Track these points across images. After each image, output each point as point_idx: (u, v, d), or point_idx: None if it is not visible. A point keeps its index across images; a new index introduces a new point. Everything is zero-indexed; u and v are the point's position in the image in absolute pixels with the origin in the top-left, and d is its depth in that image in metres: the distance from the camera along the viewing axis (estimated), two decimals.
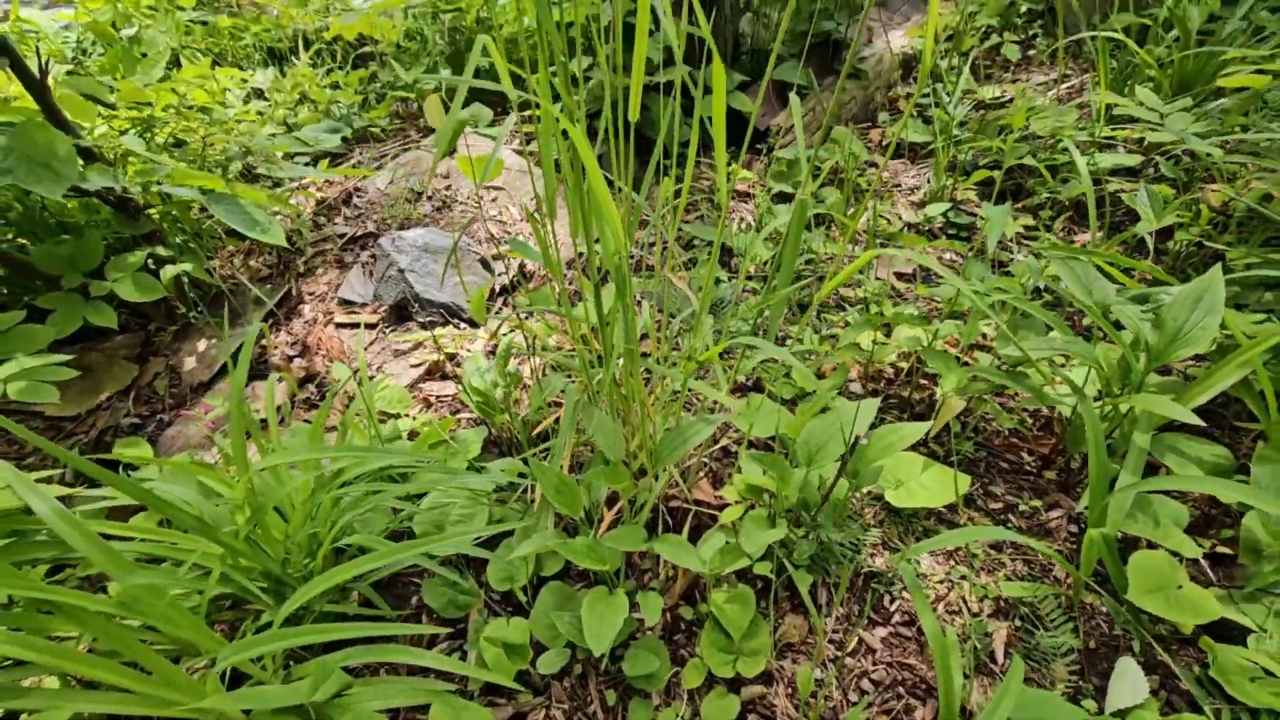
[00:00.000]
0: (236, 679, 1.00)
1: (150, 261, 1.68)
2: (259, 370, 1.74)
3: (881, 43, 2.38)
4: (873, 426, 1.29)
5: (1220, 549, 1.10)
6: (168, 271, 1.62)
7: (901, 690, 0.97)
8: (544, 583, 1.07)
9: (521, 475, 1.19)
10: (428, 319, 1.71)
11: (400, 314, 1.75)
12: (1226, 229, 1.47)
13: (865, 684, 0.98)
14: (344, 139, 2.35)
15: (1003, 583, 1.06)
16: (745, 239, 1.69)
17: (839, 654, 1.00)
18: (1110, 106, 1.71)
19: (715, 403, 1.26)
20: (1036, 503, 1.18)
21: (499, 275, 1.81)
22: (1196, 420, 0.93)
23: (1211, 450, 1.09)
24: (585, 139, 0.65)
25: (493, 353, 1.64)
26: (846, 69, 0.84)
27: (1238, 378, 1.08)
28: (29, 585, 0.72)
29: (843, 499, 1.02)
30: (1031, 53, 2.42)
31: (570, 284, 1.78)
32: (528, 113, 2.13)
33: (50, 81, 1.50)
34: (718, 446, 1.27)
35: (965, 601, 1.05)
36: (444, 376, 1.62)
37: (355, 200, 2.12)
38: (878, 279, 1.67)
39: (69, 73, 2.70)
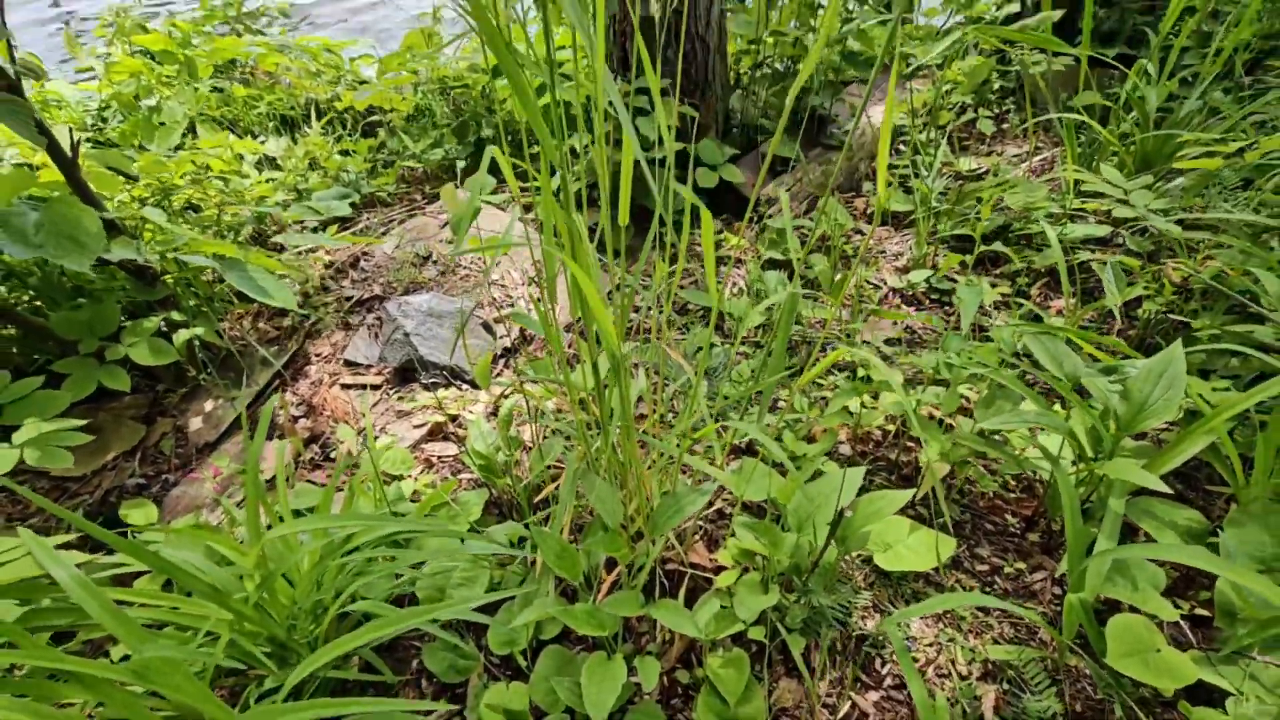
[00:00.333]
0: None
1: (163, 325, 1.74)
2: (264, 432, 1.78)
3: (863, 117, 2.52)
4: (862, 490, 1.34)
5: (1199, 611, 1.13)
6: (181, 335, 1.68)
7: None
8: (543, 646, 1.09)
9: (522, 539, 1.23)
10: (431, 381, 1.77)
11: (404, 376, 1.80)
12: (1191, 298, 1.55)
13: None
14: (352, 205, 2.45)
15: (990, 646, 1.09)
16: (738, 305, 1.76)
17: (832, 718, 1.02)
18: (1079, 180, 1.82)
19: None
20: (1021, 565, 1.22)
21: (500, 338, 1.88)
22: (1164, 488, 0.98)
23: (1185, 514, 1.14)
24: (585, 264, 0.71)
25: (494, 414, 1.69)
26: (846, 144, 0.92)
27: (1205, 444, 1.14)
28: (54, 657, 0.75)
29: (833, 563, 1.06)
30: (1005, 126, 2.56)
31: (569, 346, 1.85)
32: (528, 185, 2.24)
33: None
34: (712, 509, 1.31)
35: (954, 665, 1.08)
36: (446, 437, 1.67)
37: (363, 263, 2.20)
38: (865, 342, 1.74)
39: (89, 139, 2.83)
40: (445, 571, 1.18)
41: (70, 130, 1.58)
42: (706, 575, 1.16)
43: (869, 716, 1.03)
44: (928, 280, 1.88)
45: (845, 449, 1.47)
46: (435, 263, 2.16)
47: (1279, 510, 1.10)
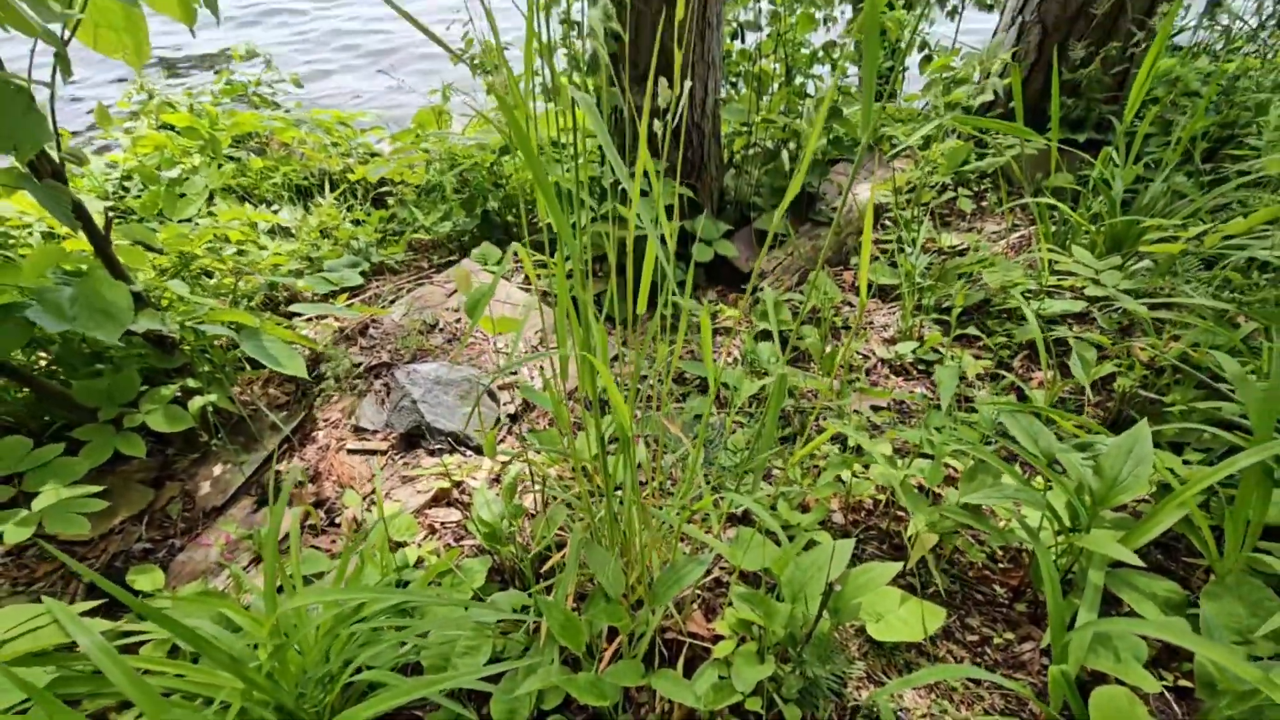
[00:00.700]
0: None
1: (179, 392, 1.80)
2: (268, 496, 1.82)
3: (849, 195, 2.67)
4: (855, 559, 1.38)
5: (1183, 682, 1.17)
6: (195, 402, 1.74)
7: None
8: (546, 716, 1.11)
9: (524, 607, 1.26)
10: (436, 447, 1.82)
11: (410, 442, 1.86)
12: (1163, 373, 1.63)
13: None
14: (362, 273, 2.55)
15: (980, 717, 1.12)
16: (734, 375, 1.84)
17: None
18: (1053, 259, 1.93)
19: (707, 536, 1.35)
20: (1010, 635, 1.26)
21: (504, 405, 1.94)
22: (1138, 562, 1.03)
23: (1164, 585, 1.19)
24: (606, 368, 0.79)
25: (496, 480, 1.74)
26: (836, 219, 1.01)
27: (1178, 517, 1.19)
28: None
29: (827, 633, 1.10)
30: (984, 204, 2.71)
31: (570, 408, 1.91)
32: (539, 258, 2.35)
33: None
34: (710, 578, 1.35)
35: None
36: (449, 503, 1.71)
37: (371, 330, 2.29)
38: (855, 411, 1.81)
39: (111, 208, 2.95)
40: (450, 640, 1.20)
41: (105, 211, 1.68)
42: (705, 645, 1.19)
43: None
44: (914, 352, 1.96)
45: (838, 517, 1.52)
46: (441, 330, 2.25)
47: (1253, 582, 1.15)
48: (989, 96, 2.49)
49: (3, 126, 1.26)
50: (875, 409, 1.85)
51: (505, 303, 2.26)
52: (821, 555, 1.08)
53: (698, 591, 1.33)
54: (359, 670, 1.11)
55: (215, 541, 1.64)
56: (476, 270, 2.50)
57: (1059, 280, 1.95)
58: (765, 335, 2.11)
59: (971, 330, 2.02)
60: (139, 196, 3.01)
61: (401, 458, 1.84)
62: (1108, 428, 1.66)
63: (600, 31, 0.81)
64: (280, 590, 1.17)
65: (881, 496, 1.53)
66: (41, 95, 1.39)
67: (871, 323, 2.21)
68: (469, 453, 1.83)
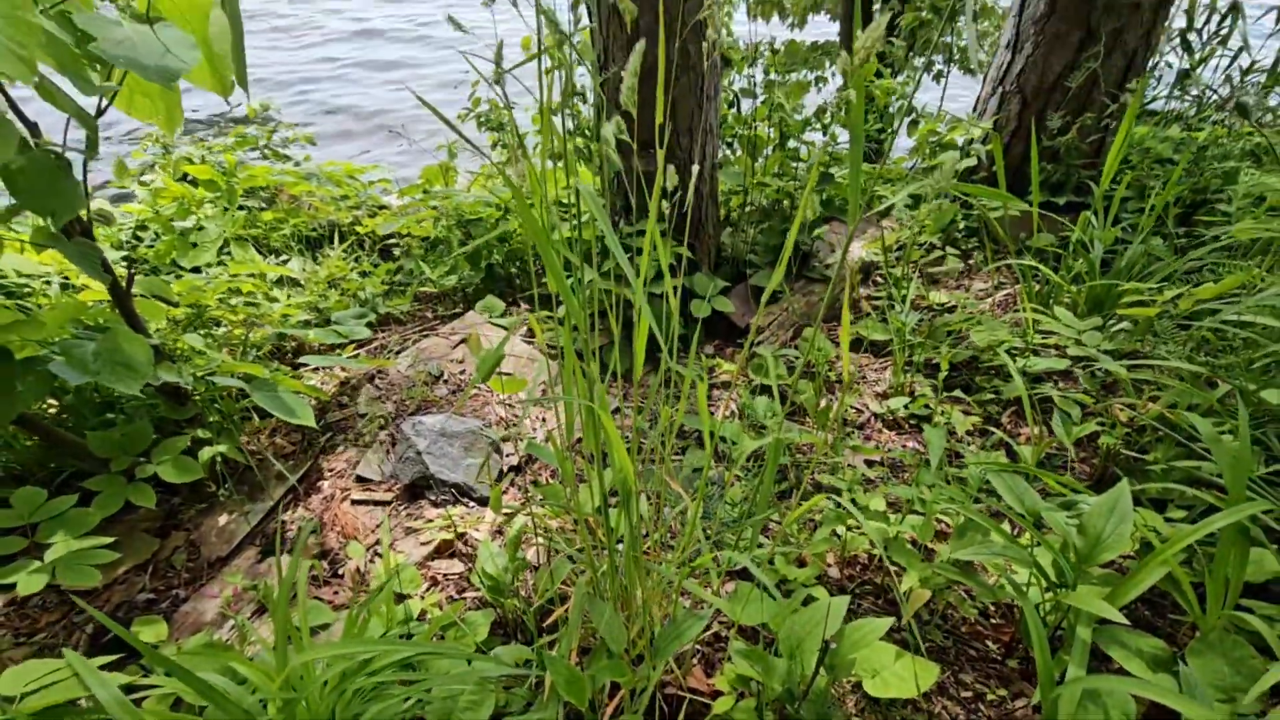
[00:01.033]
0: None
1: (189, 442, 1.84)
2: (273, 546, 1.84)
3: (842, 252, 2.77)
4: (851, 614, 1.41)
5: None
6: (205, 453, 1.78)
7: None
8: None
9: (528, 661, 1.28)
10: (440, 498, 1.85)
11: (414, 492, 1.89)
12: (1145, 432, 1.70)
13: None
14: (369, 324, 2.62)
15: None
16: (732, 428, 1.89)
17: None
18: (1037, 319, 2.01)
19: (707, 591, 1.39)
20: (1003, 691, 1.28)
21: (507, 456, 1.98)
22: (1122, 620, 1.07)
23: (1150, 643, 1.22)
24: (614, 429, 0.85)
25: (499, 532, 1.77)
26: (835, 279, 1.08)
27: (1161, 575, 1.23)
28: None
29: (824, 690, 1.13)
30: (972, 262, 2.82)
31: (572, 459, 1.95)
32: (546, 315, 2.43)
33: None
34: (709, 632, 1.38)
35: None
36: (452, 554, 1.74)
37: (377, 380, 2.34)
38: (850, 466, 1.86)
39: (125, 257, 3.03)
40: (454, 695, 1.22)
41: (128, 266, 1.75)
42: (704, 700, 1.22)
43: None
44: (905, 407, 2.02)
45: (834, 572, 1.55)
46: (446, 382, 2.30)
47: (1236, 640, 1.19)
48: (972, 162, 2.62)
49: (41, 194, 1.34)
50: (869, 463, 1.90)
51: (509, 355, 2.33)
52: (818, 611, 1.11)
53: (698, 646, 1.36)
54: None
55: (221, 593, 1.66)
56: (481, 322, 2.57)
57: (1044, 339, 2.03)
58: (762, 389, 2.17)
59: (961, 387, 2.09)
60: (152, 245, 3.10)
61: (405, 508, 1.87)
62: (1094, 484, 1.72)
63: (613, 141, 0.89)
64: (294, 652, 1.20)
65: (876, 551, 1.56)
66: (71, 155, 1.47)
67: (865, 377, 2.28)
68: (472, 504, 1.86)
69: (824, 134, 2.99)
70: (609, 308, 1.25)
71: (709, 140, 2.28)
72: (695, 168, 1.10)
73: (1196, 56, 3.34)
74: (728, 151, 2.99)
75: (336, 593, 1.69)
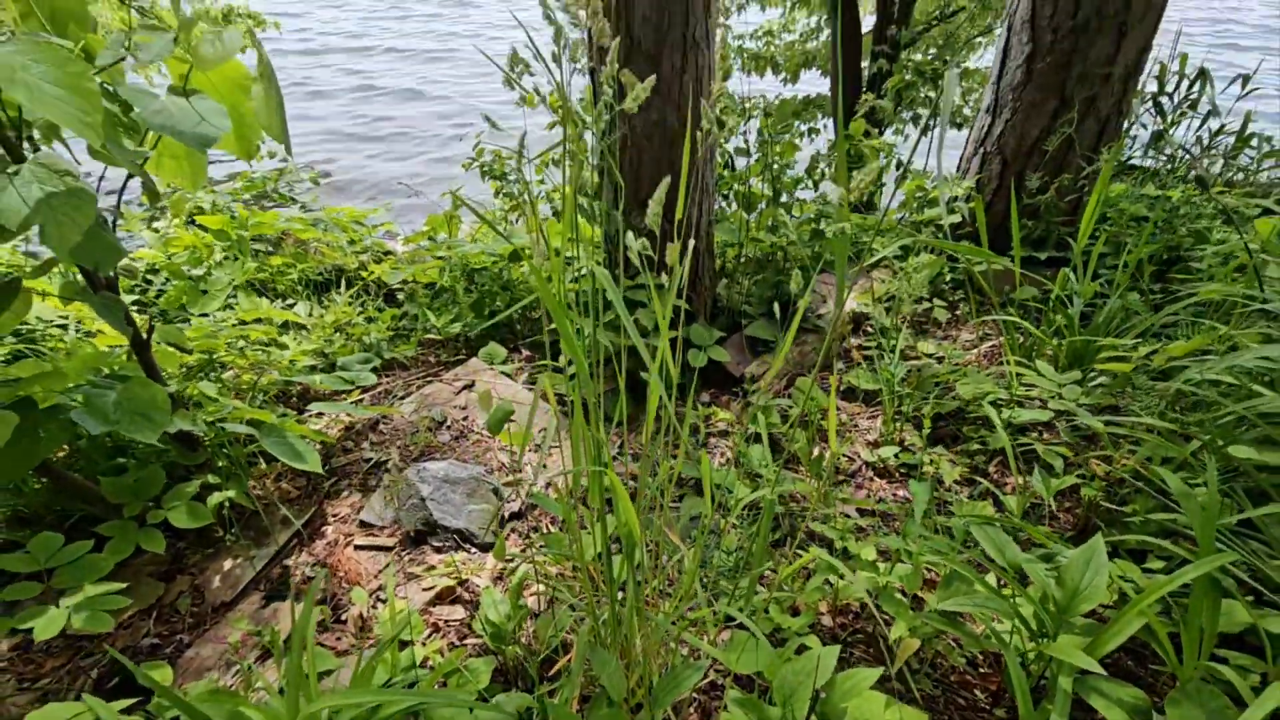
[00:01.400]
0: None
1: (199, 488, 1.89)
2: (278, 591, 1.87)
3: (833, 303, 2.87)
4: (843, 662, 1.46)
5: None
6: (214, 498, 1.83)
7: None
8: None
9: (529, 709, 1.32)
10: (442, 544, 1.90)
11: (417, 538, 1.93)
12: (1124, 483, 1.76)
13: None
14: (374, 369, 2.69)
15: None
16: (727, 476, 1.95)
17: None
18: (1020, 372, 2.10)
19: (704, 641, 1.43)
20: None
21: (508, 502, 2.03)
22: (1099, 670, 1.12)
23: (1130, 692, 1.26)
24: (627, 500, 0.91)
25: (500, 578, 1.81)
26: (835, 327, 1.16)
27: (1138, 626, 1.29)
28: None
29: None
30: (959, 313, 2.92)
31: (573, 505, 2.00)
32: (547, 364, 2.50)
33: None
34: (706, 681, 1.42)
35: None
36: (454, 600, 1.77)
37: (381, 426, 2.40)
38: (844, 515, 1.92)
39: (136, 302, 3.11)
40: None
41: (150, 319, 1.82)
42: None
43: None
44: (896, 456, 2.09)
45: (827, 620, 1.59)
46: (449, 427, 2.36)
47: (1212, 690, 1.24)
48: (957, 218, 2.74)
49: (88, 247, 1.42)
50: (861, 512, 1.96)
51: (511, 401, 2.39)
52: (810, 660, 1.16)
53: (695, 695, 1.39)
54: None
55: (226, 638, 1.69)
56: (483, 368, 2.64)
57: (1027, 390, 2.11)
58: (756, 438, 2.23)
59: (950, 437, 2.16)
60: (161, 291, 3.18)
61: (408, 554, 1.91)
62: (1077, 534, 1.78)
63: (620, 230, 0.98)
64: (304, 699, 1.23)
65: (868, 600, 1.61)
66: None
67: (856, 425, 2.35)
68: (474, 550, 1.91)
69: (815, 189, 3.13)
70: (612, 356, 1.33)
71: (705, 199, 2.40)
72: (693, 226, 1.19)
73: (1169, 119, 3.52)
74: (724, 204, 3.12)
75: (339, 638, 1.72)
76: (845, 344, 2.78)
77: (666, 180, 0.97)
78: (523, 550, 1.88)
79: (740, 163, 2.96)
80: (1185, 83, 3.52)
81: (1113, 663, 1.47)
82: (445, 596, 1.77)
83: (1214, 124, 3.60)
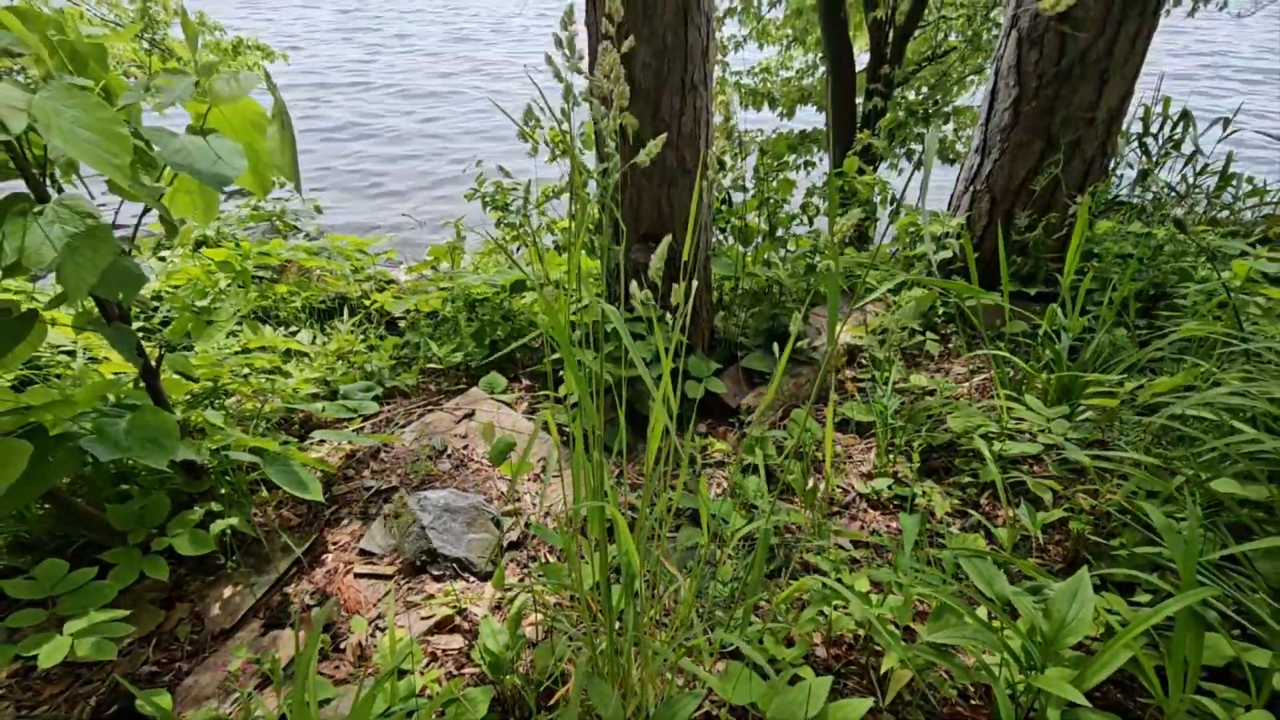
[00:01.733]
0: None
1: (203, 515, 1.91)
2: (277, 619, 1.88)
3: (827, 337, 2.93)
4: (836, 693, 1.48)
5: None
6: (217, 525, 1.85)
7: None
8: None
9: None
10: (441, 573, 1.92)
11: (416, 567, 1.95)
12: (1111, 517, 1.80)
13: None
14: (375, 398, 2.72)
15: None
16: (723, 506, 1.98)
17: None
18: (1010, 406, 2.14)
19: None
20: None
21: (508, 531, 2.06)
22: (1085, 702, 1.15)
23: None
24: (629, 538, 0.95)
25: (497, 608, 1.83)
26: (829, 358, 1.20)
27: (1125, 658, 1.31)
28: None
29: None
30: (951, 346, 2.98)
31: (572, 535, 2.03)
32: (548, 395, 2.55)
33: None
34: (701, 712, 1.43)
35: None
36: (452, 630, 1.79)
37: (382, 454, 2.43)
38: (838, 546, 1.94)
39: (141, 329, 3.15)
40: None
41: (160, 349, 1.87)
42: None
43: None
44: (889, 488, 2.13)
45: (821, 651, 1.61)
46: (449, 456, 2.39)
47: None
48: (948, 254, 2.81)
49: (112, 277, 1.47)
50: (855, 543, 1.99)
51: (511, 430, 2.43)
52: (803, 691, 1.18)
53: None
54: None
55: (225, 666, 1.70)
56: (484, 398, 2.68)
57: (1017, 424, 2.15)
58: (751, 469, 2.27)
59: (942, 469, 2.19)
60: (167, 319, 3.23)
61: (407, 583, 1.93)
62: (1067, 566, 1.81)
63: (622, 265, 1.03)
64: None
65: (862, 632, 1.63)
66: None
67: (850, 457, 2.39)
68: (473, 579, 1.93)
69: (810, 224, 3.21)
70: (613, 387, 1.37)
71: (701, 235, 2.46)
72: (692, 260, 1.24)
73: (1153, 159, 3.63)
74: (721, 238, 3.20)
75: (338, 667, 1.73)
76: (840, 376, 2.83)
77: (667, 238, 1.03)
78: (521, 580, 1.90)
79: (737, 197, 3.04)
80: (1169, 124, 3.64)
81: (1101, 695, 1.49)
82: (444, 625, 1.79)
83: (1198, 163, 3.72)
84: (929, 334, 2.86)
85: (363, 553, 2.05)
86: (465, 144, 9.05)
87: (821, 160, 6.38)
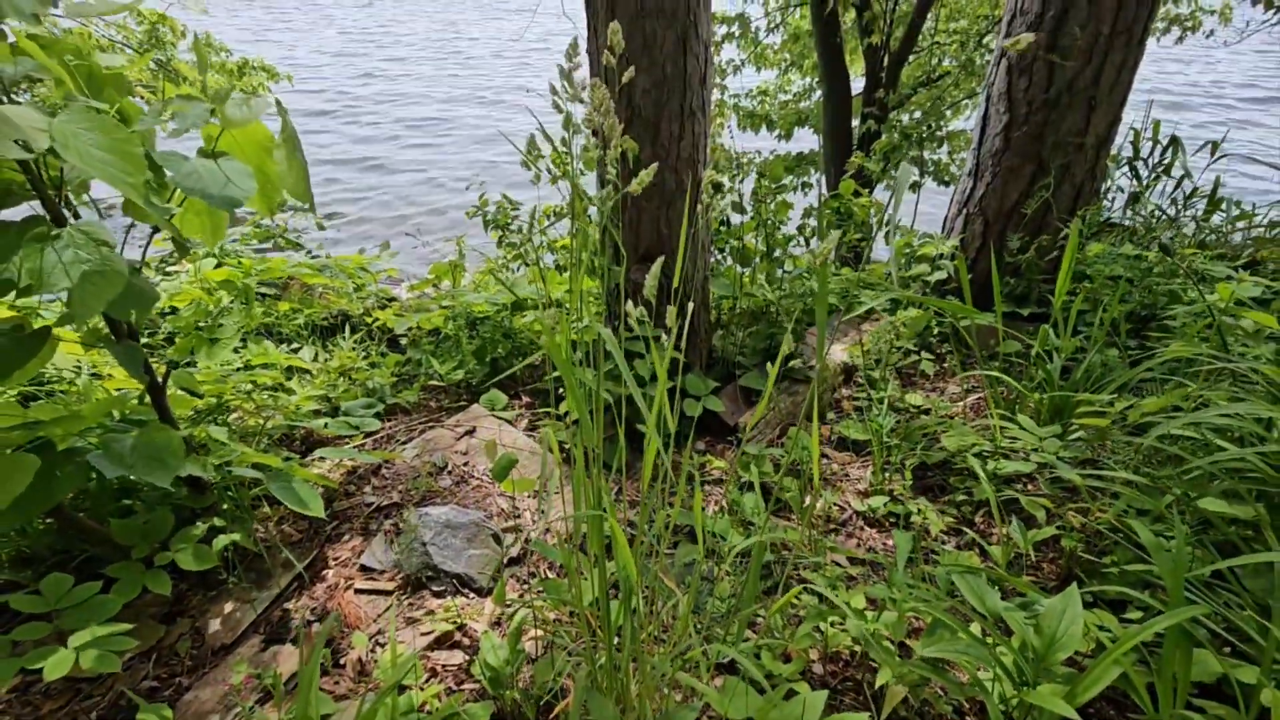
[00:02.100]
0: None
1: (206, 530, 1.93)
2: (277, 634, 1.89)
3: (822, 354, 2.97)
4: (832, 708, 1.49)
5: None
6: (220, 541, 1.87)
7: None
8: None
9: None
10: (442, 588, 1.93)
11: (417, 583, 1.97)
12: (1103, 535, 1.82)
13: None
14: (377, 414, 2.75)
15: None
16: (720, 523, 2.00)
17: None
18: (1003, 425, 2.17)
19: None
20: None
21: (508, 547, 2.08)
22: (1077, 717, 1.17)
23: None
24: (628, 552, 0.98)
25: (498, 623, 1.84)
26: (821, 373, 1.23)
27: (1115, 675, 1.33)
28: None
29: None
30: (946, 365, 3.01)
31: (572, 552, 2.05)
32: (546, 410, 2.58)
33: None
34: None
35: None
36: (452, 645, 1.80)
37: (384, 470, 2.45)
38: (835, 564, 1.96)
39: (144, 345, 3.18)
40: None
41: (168, 366, 1.90)
42: None
43: None
44: (885, 505, 2.15)
45: (817, 668, 1.63)
46: (450, 473, 2.41)
47: None
48: (943, 274, 2.86)
49: (123, 297, 1.50)
50: (851, 560, 2.01)
51: (512, 447, 2.45)
52: (798, 705, 1.20)
53: None
54: None
55: (225, 681, 1.71)
56: (484, 415, 2.71)
57: (1011, 442, 2.19)
58: (749, 487, 2.29)
59: (937, 487, 2.22)
60: (171, 336, 3.26)
61: (408, 598, 1.94)
62: (1060, 583, 1.83)
63: (621, 285, 1.07)
64: None
65: (858, 648, 1.65)
66: None
67: (847, 475, 2.42)
68: (472, 595, 1.94)
69: (806, 245, 3.26)
70: (612, 405, 1.41)
71: (700, 255, 2.51)
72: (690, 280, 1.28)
73: (1144, 182, 3.70)
74: (719, 259, 3.25)
75: (338, 682, 1.74)
76: (837, 395, 2.86)
77: (661, 259, 1.07)
78: (521, 595, 1.92)
79: (734, 218, 3.10)
80: (1158, 148, 3.72)
81: (1094, 712, 1.50)
82: (444, 641, 1.80)
83: (1187, 186, 3.79)
84: (924, 354, 2.90)
85: (363, 568, 2.06)
86: (465, 167, 9.17)
87: (819, 181, 6.48)
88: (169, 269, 3.81)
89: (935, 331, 3.18)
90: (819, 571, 1.87)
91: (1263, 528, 1.47)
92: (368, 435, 2.70)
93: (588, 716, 1.32)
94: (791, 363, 2.78)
